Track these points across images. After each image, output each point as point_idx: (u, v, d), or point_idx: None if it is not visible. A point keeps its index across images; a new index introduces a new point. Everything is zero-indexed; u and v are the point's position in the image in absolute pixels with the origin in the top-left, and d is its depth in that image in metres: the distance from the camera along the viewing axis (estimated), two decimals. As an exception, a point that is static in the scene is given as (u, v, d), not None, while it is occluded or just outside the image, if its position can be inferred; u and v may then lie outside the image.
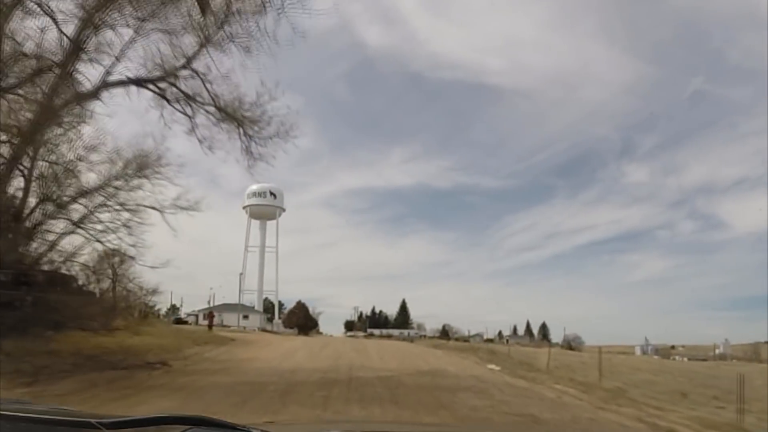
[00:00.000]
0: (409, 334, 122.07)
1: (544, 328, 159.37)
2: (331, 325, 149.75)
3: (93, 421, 1.85)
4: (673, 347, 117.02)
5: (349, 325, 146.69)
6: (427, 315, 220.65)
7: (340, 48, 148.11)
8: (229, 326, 78.49)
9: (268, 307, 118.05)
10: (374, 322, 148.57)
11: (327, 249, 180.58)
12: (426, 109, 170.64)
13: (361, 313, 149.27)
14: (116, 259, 25.21)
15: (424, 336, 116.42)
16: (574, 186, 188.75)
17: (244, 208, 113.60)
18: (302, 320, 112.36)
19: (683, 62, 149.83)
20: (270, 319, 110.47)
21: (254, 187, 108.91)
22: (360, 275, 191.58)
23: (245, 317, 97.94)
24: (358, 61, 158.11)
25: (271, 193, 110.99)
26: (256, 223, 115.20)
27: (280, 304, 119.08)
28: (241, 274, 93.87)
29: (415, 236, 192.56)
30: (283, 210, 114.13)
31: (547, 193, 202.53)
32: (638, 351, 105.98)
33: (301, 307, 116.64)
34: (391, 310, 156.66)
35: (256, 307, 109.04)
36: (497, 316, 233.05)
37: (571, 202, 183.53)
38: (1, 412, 1.88)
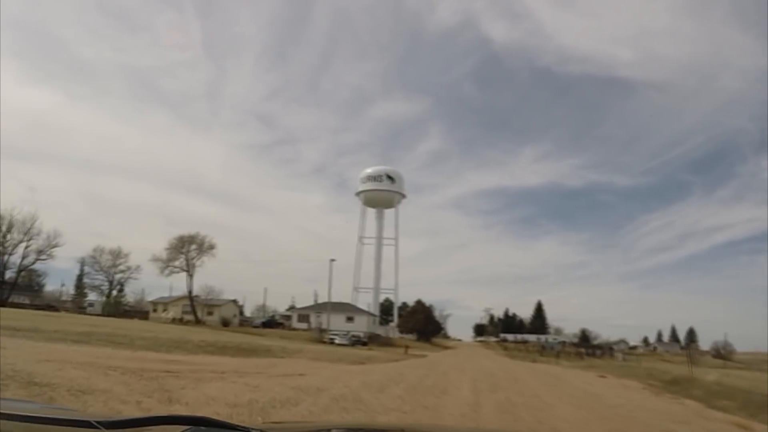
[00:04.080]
0: (546, 340, 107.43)
1: (691, 333, 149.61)
2: (460, 328, 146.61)
3: (92, 420, 1.86)
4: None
5: (480, 329, 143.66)
6: (561, 318, 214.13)
7: (466, 46, 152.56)
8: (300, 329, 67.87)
9: (388, 308, 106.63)
10: (507, 325, 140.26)
11: (456, 251, 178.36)
12: (555, 105, 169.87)
13: (492, 317, 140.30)
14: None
15: (564, 343, 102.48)
16: (710, 182, 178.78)
17: (357, 194, 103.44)
18: (423, 324, 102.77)
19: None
20: (385, 322, 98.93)
21: (369, 171, 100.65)
22: (490, 277, 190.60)
23: (350, 319, 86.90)
24: (485, 58, 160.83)
25: (389, 177, 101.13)
26: (371, 212, 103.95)
27: (402, 306, 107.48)
28: (332, 260, 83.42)
29: (546, 237, 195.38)
30: (403, 196, 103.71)
31: (683, 190, 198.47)
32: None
33: (422, 309, 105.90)
34: (524, 313, 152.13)
35: (371, 308, 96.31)
36: (633, 320, 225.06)
37: (708, 199, 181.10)
38: (1, 412, 1.86)
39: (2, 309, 62.37)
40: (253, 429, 2.01)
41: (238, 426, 2.01)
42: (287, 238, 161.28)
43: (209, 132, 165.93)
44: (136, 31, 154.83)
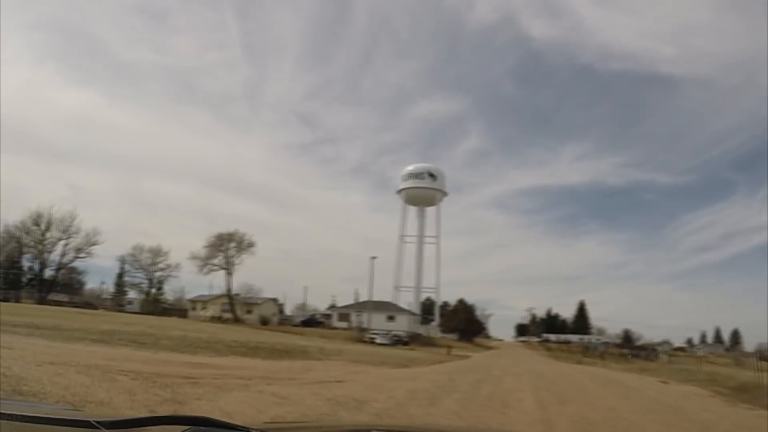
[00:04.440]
0: (590, 340, 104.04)
1: (735, 335, 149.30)
2: (501, 328, 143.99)
3: (92, 420, 1.88)
4: None
5: (522, 329, 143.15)
6: (603, 318, 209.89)
7: (506, 43, 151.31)
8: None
9: (429, 308, 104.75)
10: (549, 325, 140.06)
11: (497, 250, 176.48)
12: (597, 102, 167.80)
13: (534, 316, 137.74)
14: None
15: (607, 344, 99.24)
16: (754, 181, 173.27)
17: (398, 192, 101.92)
18: (464, 323, 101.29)
19: None
20: (426, 321, 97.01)
21: (410, 168, 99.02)
22: (531, 277, 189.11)
23: (391, 318, 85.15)
24: (525, 55, 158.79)
25: (430, 174, 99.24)
26: (413, 211, 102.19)
27: (444, 306, 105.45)
28: (373, 257, 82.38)
29: (588, 236, 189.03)
30: (445, 194, 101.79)
31: (726, 189, 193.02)
32: None
33: (463, 308, 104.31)
34: (565, 313, 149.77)
35: (412, 307, 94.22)
36: (675, 321, 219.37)
37: (752, 198, 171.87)
38: (2, 412, 1.87)
39: (33, 306, 61.63)
40: (253, 429, 1.98)
41: (238, 426, 1.98)
42: (328, 237, 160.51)
43: (250, 132, 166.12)
44: (176, 33, 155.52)
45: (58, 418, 2.01)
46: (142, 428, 1.89)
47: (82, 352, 18.17)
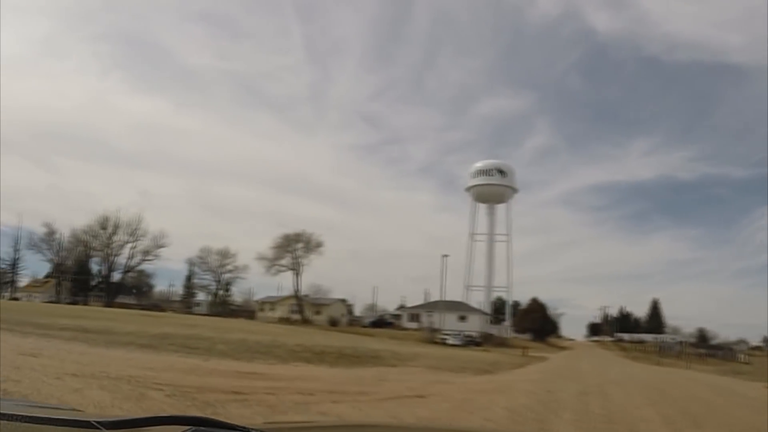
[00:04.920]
0: (664, 340, 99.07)
1: None
2: (572, 328, 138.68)
3: (92, 420, 1.87)
4: None
5: (594, 329, 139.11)
6: (676, 317, 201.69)
7: (570, 37, 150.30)
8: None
9: (500, 308, 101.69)
10: (621, 324, 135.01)
11: (566, 248, 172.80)
12: (664, 95, 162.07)
13: (606, 315, 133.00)
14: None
15: (682, 343, 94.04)
16: None
17: (467, 189, 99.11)
18: (538, 323, 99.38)
19: None
20: (497, 321, 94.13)
21: (479, 165, 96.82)
22: (602, 275, 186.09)
23: (462, 318, 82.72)
24: (590, 49, 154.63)
25: (500, 171, 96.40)
26: (482, 208, 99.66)
27: (515, 305, 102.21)
28: (444, 255, 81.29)
29: (659, 233, 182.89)
30: (515, 190, 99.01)
31: None
32: None
33: (537, 307, 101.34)
34: (638, 312, 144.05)
35: (483, 307, 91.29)
36: (750, 319, 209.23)
37: None
38: (2, 412, 1.86)
39: (96, 309, 61.11)
40: (253, 429, 1.99)
41: (238, 426, 1.97)
42: (395, 237, 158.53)
43: (315, 134, 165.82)
44: (239, 38, 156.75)
45: (58, 418, 1.98)
46: (143, 428, 1.87)
47: (119, 360, 15.69)
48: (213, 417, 1.99)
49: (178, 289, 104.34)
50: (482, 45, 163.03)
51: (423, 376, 21.57)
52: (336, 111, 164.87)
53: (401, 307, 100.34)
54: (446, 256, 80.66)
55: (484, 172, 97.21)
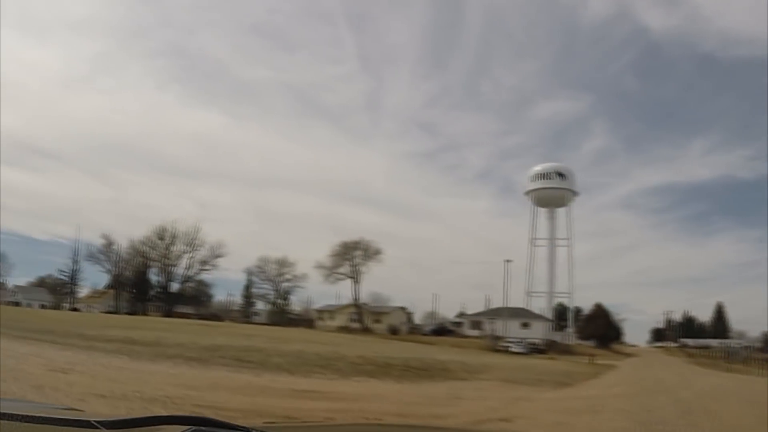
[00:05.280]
0: (730, 345, 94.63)
1: None
2: (634, 334, 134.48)
3: (92, 420, 1.87)
4: None
5: (657, 334, 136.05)
6: (741, 321, 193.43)
7: (623, 37, 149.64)
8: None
9: (561, 314, 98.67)
10: (686, 329, 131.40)
11: (626, 252, 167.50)
12: (722, 92, 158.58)
13: (669, 320, 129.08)
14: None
15: (749, 348, 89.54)
16: None
17: (526, 193, 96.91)
18: (602, 329, 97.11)
19: None
20: (560, 328, 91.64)
21: (538, 168, 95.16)
22: (663, 279, 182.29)
23: (525, 325, 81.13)
24: (644, 48, 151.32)
25: (559, 174, 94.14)
26: (542, 212, 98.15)
27: (577, 311, 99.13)
28: (507, 260, 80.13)
29: (721, 235, 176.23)
30: (575, 193, 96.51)
31: None
32: None
33: (601, 313, 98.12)
34: (702, 316, 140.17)
35: (544, 313, 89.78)
36: None
37: None
38: (2, 412, 1.86)
39: (153, 318, 60.50)
40: (253, 429, 2.00)
41: (238, 426, 1.99)
42: (454, 245, 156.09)
43: (372, 142, 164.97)
44: (293, 50, 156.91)
45: (58, 418, 1.98)
46: (143, 428, 1.87)
47: (160, 377, 13.92)
48: (213, 417, 1.97)
49: (237, 298, 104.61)
50: (536, 48, 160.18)
51: (499, 391, 19.28)
52: (391, 119, 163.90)
53: (461, 315, 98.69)
54: (509, 261, 79.07)
55: (544, 175, 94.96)
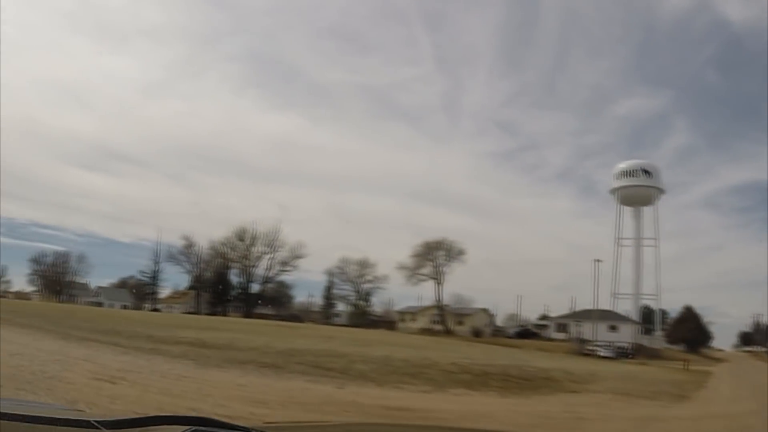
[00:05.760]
0: None
1: None
2: (720, 338, 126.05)
3: (93, 420, 1.87)
4: None
5: (746, 338, 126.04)
6: None
7: (703, 30, 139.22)
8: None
9: (647, 316, 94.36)
10: None
11: (709, 253, 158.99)
12: None
13: (758, 323, 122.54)
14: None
15: None
16: None
17: (611, 192, 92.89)
18: (693, 333, 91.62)
19: None
20: (647, 331, 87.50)
21: (622, 166, 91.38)
22: (749, 281, 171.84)
23: (612, 328, 76.97)
24: (724, 41, 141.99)
25: (645, 171, 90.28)
26: (627, 211, 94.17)
27: (663, 314, 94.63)
28: (597, 260, 76.19)
29: None
30: (662, 191, 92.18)
31: None
32: None
33: (690, 316, 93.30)
34: None
35: (630, 316, 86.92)
36: None
37: None
38: (2, 412, 1.86)
39: (232, 320, 59.60)
40: (253, 429, 2.01)
41: (238, 426, 2.00)
42: (534, 245, 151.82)
43: (450, 143, 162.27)
44: (369, 51, 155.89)
45: (58, 418, 1.97)
46: (143, 428, 1.88)
47: (223, 388, 11.68)
48: (213, 417, 1.96)
49: (318, 300, 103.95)
50: (613, 44, 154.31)
51: (621, 408, 16.26)
52: (469, 119, 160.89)
53: (543, 317, 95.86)
54: (599, 261, 75.32)
55: (629, 173, 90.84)
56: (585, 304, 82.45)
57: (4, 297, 71.46)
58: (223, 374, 14.23)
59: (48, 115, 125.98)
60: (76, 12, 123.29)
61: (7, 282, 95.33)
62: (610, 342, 66.09)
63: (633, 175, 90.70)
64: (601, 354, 58.10)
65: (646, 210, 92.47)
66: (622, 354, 61.43)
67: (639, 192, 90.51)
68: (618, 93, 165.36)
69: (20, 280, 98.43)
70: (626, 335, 74.83)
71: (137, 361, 14.80)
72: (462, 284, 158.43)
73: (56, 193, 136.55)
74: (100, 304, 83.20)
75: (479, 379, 19.21)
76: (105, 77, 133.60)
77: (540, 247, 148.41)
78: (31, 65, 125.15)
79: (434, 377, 18.38)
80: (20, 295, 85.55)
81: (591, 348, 61.93)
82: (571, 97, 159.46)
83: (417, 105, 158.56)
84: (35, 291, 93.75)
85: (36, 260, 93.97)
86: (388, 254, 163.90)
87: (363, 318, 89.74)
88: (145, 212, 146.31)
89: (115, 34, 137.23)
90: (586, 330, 73.45)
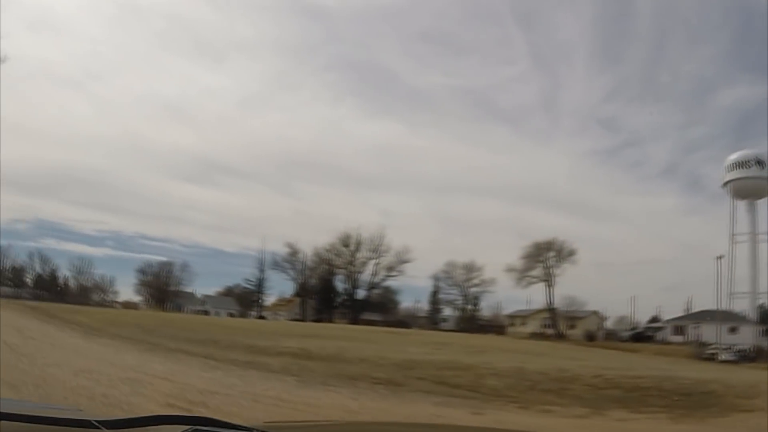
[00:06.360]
0: None
1: None
2: None
3: (93, 420, 1.88)
4: None
5: None
6: None
7: None
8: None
9: (764, 316, 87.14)
10: None
11: None
12: None
13: None
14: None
15: None
16: None
17: (723, 185, 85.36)
18: None
19: None
20: (766, 332, 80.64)
21: (734, 157, 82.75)
22: None
23: (732, 330, 70.37)
24: None
25: (758, 162, 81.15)
26: (741, 205, 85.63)
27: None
28: (719, 256, 70.15)
29: None
30: None
31: None
32: None
33: None
34: None
35: (749, 316, 79.15)
36: None
37: None
38: (2, 412, 1.86)
39: (339, 326, 57.96)
40: (253, 429, 2.02)
41: (238, 426, 1.99)
42: (641, 244, 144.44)
43: (551, 142, 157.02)
44: (463, 53, 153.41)
45: (59, 418, 1.98)
46: (143, 428, 1.89)
47: (328, 416, 8.97)
48: (213, 417, 1.97)
49: (424, 305, 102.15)
50: (713, 31, 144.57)
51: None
52: (569, 117, 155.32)
53: (654, 319, 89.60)
54: (720, 257, 69.77)
55: (741, 164, 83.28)
56: (699, 304, 78.79)
57: (111, 306, 72.82)
58: (328, 395, 11.65)
59: (151, 131, 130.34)
60: (168, 30, 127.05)
61: (115, 292, 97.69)
62: (730, 344, 60.17)
63: (746, 167, 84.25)
64: (723, 358, 53.08)
65: (760, 203, 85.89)
66: (745, 357, 55.63)
67: (753, 184, 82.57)
68: (720, 82, 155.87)
69: (127, 291, 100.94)
70: (747, 337, 68.39)
71: (228, 378, 12.47)
72: (571, 286, 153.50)
73: (162, 205, 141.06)
74: (206, 313, 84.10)
75: (634, 396, 15.81)
76: (202, 92, 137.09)
77: (646, 246, 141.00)
78: (132, 83, 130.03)
79: (581, 394, 15.15)
80: (127, 305, 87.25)
81: (710, 352, 56.89)
82: (672, 89, 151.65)
83: (515, 105, 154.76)
84: (141, 301, 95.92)
85: (142, 270, 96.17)
86: (492, 257, 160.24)
87: (471, 323, 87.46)
88: (249, 222, 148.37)
89: (210, 52, 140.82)
90: (707, 332, 69.18)
